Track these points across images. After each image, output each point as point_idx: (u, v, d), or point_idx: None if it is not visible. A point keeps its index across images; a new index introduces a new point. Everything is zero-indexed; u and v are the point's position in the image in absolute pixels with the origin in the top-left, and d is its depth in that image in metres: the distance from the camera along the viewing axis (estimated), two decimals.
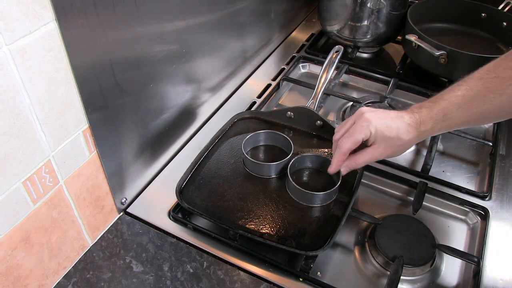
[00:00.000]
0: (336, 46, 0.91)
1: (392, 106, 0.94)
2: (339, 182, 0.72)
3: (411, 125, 0.63)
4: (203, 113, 0.92)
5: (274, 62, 1.11)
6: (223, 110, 0.96)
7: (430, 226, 0.71)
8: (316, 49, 1.16)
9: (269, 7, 1.06)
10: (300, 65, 1.12)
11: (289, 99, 1.03)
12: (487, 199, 0.78)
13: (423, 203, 0.75)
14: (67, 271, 0.66)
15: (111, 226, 0.72)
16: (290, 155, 0.77)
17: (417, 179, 0.79)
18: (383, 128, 0.63)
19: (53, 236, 0.61)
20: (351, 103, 0.96)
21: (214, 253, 0.69)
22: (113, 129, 0.66)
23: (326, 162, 0.76)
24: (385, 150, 0.65)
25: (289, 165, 0.75)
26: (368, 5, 1.03)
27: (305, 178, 0.77)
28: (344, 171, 0.69)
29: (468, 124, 0.65)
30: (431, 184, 0.78)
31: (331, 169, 0.69)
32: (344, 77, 1.08)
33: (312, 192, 0.71)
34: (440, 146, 0.89)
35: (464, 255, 0.68)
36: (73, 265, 0.67)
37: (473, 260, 0.67)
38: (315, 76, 1.01)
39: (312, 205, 0.72)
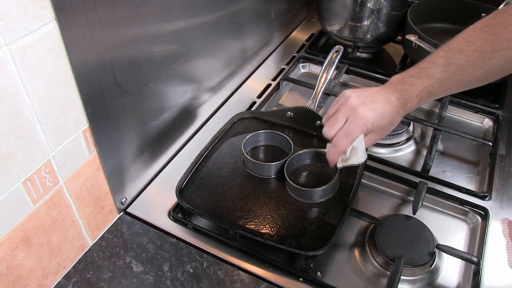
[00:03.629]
0: (336, 46, 0.91)
1: None
2: (336, 175, 0.73)
3: (399, 105, 0.64)
4: (203, 113, 0.92)
5: (274, 62, 1.11)
6: (223, 110, 0.96)
7: (430, 226, 0.71)
8: (316, 49, 1.16)
9: (269, 7, 1.06)
10: (300, 65, 1.12)
11: (289, 99, 1.03)
12: (487, 199, 0.77)
13: (423, 203, 0.75)
14: (67, 271, 0.66)
15: (111, 226, 0.72)
16: (290, 155, 0.77)
17: (417, 179, 0.79)
18: (378, 120, 0.63)
19: (53, 236, 0.61)
20: None
21: (214, 253, 0.69)
22: (113, 129, 0.66)
23: (323, 156, 0.77)
24: (379, 135, 0.67)
25: (286, 164, 0.75)
26: (368, 5, 1.03)
27: (303, 175, 0.77)
28: (340, 165, 0.68)
29: (445, 95, 0.67)
30: (431, 184, 0.78)
31: (330, 164, 0.69)
32: (344, 77, 1.08)
33: (310, 189, 0.72)
34: (440, 146, 0.89)
35: (464, 255, 0.68)
36: (73, 265, 0.67)
37: (473, 260, 0.67)
38: (315, 76, 1.01)
39: (313, 202, 0.72)
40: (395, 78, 0.66)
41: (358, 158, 0.66)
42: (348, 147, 0.65)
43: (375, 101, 0.64)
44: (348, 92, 0.66)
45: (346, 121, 0.65)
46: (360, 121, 0.63)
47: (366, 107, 0.63)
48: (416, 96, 0.64)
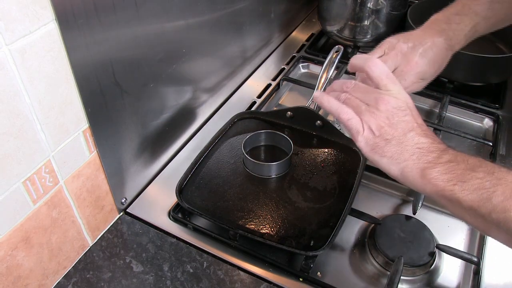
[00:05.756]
0: (336, 46, 0.91)
1: None
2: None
3: (448, 48, 0.63)
4: (203, 113, 0.92)
5: (274, 62, 1.11)
6: (223, 110, 0.96)
7: (430, 226, 0.71)
8: (316, 49, 1.16)
9: (269, 7, 1.06)
10: (300, 65, 1.12)
11: (289, 99, 1.03)
12: None
13: (423, 203, 0.75)
14: (67, 271, 0.66)
15: (111, 226, 0.72)
16: (290, 155, 0.77)
17: None
18: (429, 67, 0.65)
19: (53, 236, 0.61)
20: None
21: (214, 253, 0.69)
22: (113, 129, 0.66)
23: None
24: (426, 82, 0.68)
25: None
26: (368, 5, 1.03)
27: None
28: None
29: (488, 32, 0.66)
30: None
31: None
32: (344, 77, 1.07)
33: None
34: None
35: (464, 255, 0.68)
36: (73, 265, 0.67)
37: (473, 260, 0.67)
38: (315, 76, 1.01)
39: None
40: (437, 16, 0.63)
41: None
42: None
43: (424, 44, 0.61)
44: (392, 39, 0.63)
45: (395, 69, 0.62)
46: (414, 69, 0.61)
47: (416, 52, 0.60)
48: (465, 35, 0.61)
